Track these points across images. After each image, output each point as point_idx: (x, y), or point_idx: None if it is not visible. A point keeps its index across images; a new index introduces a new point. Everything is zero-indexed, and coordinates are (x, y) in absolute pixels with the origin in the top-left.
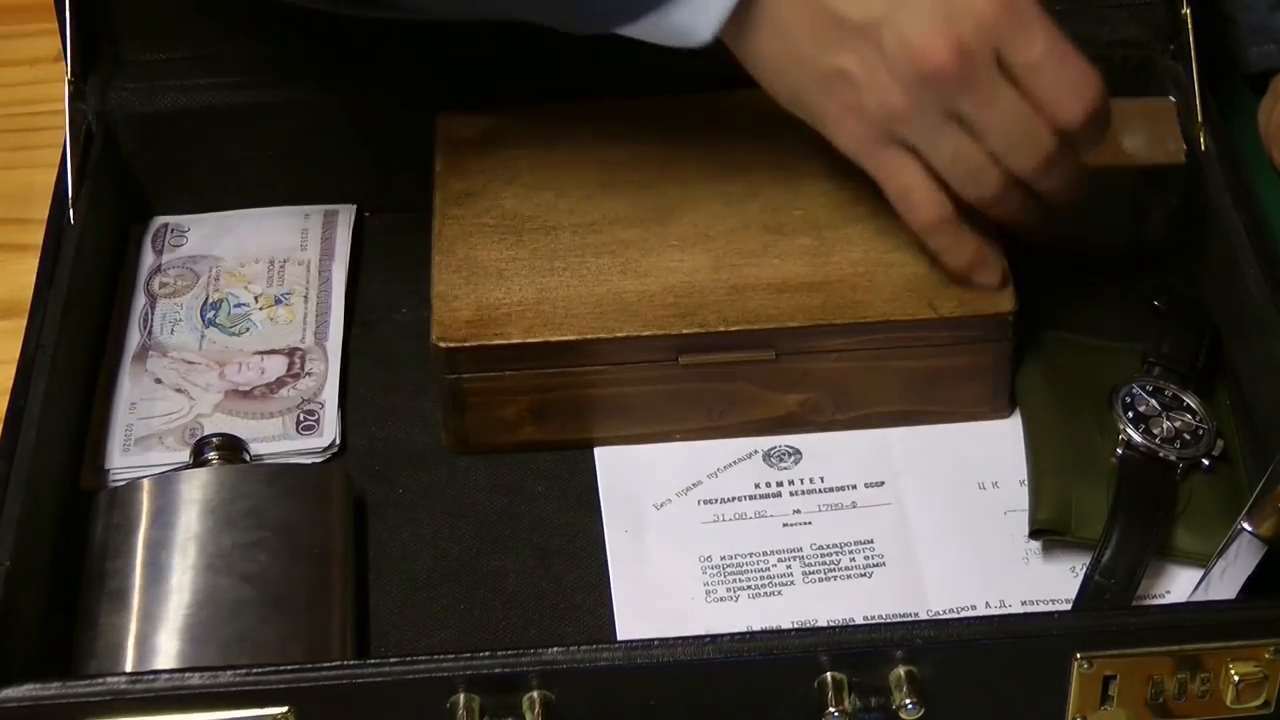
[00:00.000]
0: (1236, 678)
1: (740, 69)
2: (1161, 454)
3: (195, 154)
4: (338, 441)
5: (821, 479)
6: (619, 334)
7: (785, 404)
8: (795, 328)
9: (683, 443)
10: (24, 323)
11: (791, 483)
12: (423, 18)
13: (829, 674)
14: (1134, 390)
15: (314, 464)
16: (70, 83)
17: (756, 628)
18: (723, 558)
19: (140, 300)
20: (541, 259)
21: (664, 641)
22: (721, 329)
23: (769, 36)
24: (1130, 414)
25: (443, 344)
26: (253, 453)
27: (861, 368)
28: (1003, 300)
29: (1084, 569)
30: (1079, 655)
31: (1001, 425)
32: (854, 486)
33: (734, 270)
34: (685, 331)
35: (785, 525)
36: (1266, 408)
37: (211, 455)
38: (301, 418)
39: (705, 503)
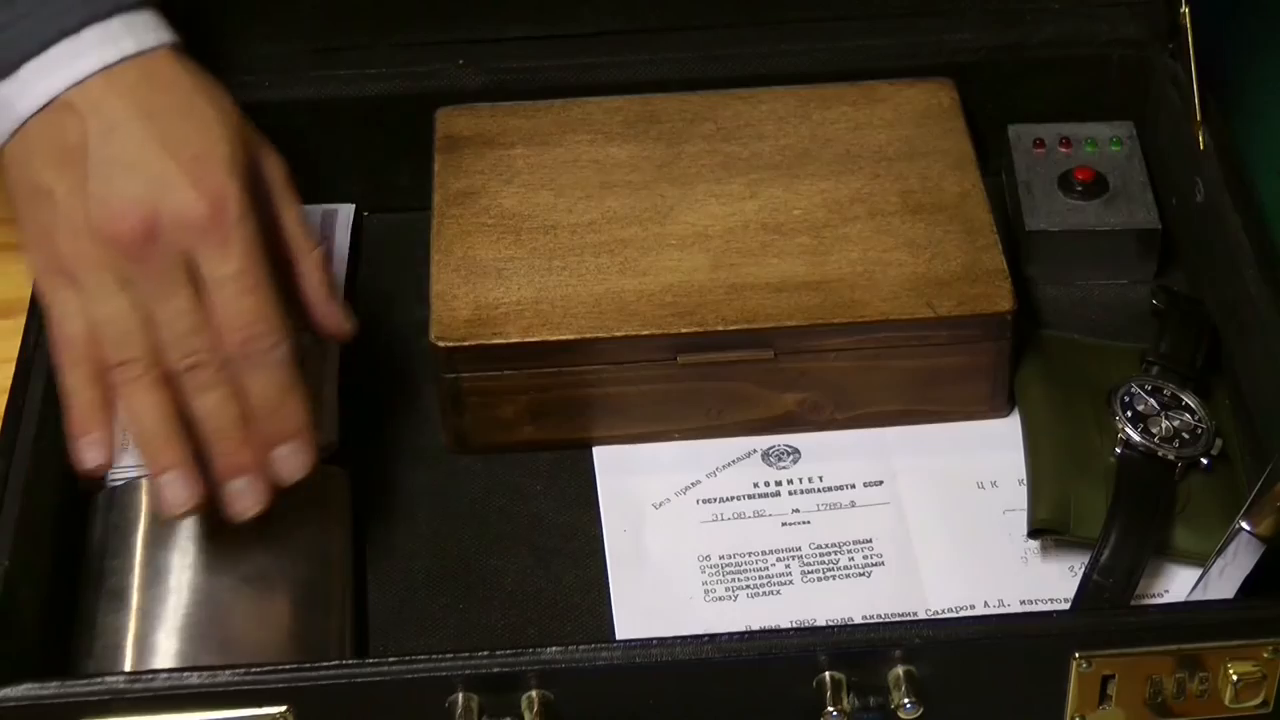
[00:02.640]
0: (1235, 677)
1: (738, 69)
2: (1160, 453)
3: None
4: (337, 441)
5: (820, 478)
6: (617, 333)
7: (784, 403)
8: (794, 327)
9: (681, 442)
10: (24, 322)
11: (790, 482)
12: None
13: (828, 673)
14: (1133, 389)
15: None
16: None
17: (755, 627)
18: (721, 557)
19: None
20: (540, 258)
21: (663, 641)
22: (720, 328)
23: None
24: (1129, 413)
25: (441, 343)
26: None
27: (860, 367)
28: (1002, 299)
29: (1082, 568)
30: (1077, 655)
31: (1000, 424)
32: (853, 486)
33: (733, 270)
34: (684, 331)
35: (784, 525)
36: (1266, 408)
37: None
38: None
39: (704, 502)
